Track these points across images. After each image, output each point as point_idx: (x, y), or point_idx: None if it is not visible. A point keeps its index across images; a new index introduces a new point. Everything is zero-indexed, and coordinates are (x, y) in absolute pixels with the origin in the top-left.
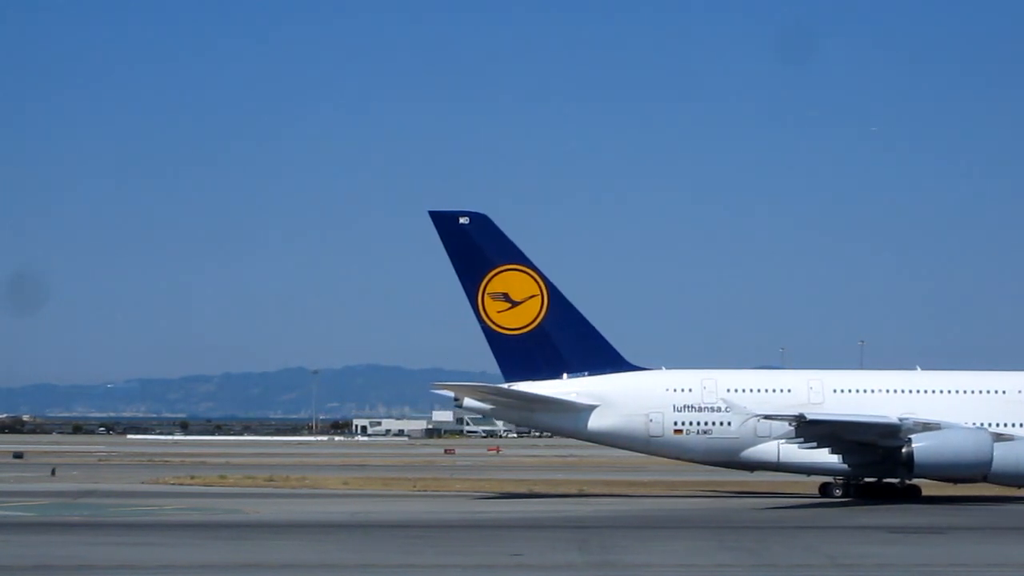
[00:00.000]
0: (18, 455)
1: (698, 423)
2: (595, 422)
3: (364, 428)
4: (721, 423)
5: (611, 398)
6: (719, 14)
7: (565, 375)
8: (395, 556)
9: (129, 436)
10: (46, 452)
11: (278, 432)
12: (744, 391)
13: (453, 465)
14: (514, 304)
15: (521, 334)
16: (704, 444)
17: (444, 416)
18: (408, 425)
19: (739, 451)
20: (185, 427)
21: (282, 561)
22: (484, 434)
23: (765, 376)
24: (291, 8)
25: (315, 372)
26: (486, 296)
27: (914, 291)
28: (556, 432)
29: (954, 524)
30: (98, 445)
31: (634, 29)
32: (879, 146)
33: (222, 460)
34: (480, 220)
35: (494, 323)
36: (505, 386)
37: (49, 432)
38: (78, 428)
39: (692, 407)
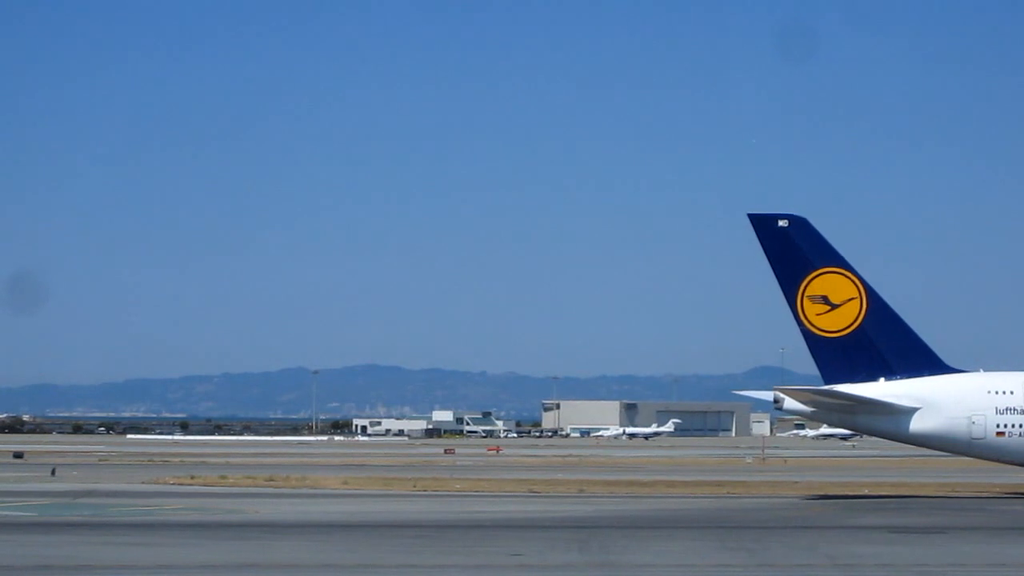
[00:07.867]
0: (18, 455)
1: (1020, 425)
2: (916, 424)
3: (364, 428)
4: None
5: (933, 400)
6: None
7: (882, 378)
8: (395, 556)
9: (129, 436)
10: (46, 452)
11: (278, 432)
12: None
13: (453, 465)
14: (833, 307)
15: (840, 336)
16: None
17: (444, 416)
18: (408, 425)
19: None
20: (185, 427)
21: (282, 561)
22: (484, 434)
23: None
24: None
25: (315, 372)
26: (805, 299)
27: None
28: (874, 434)
29: (954, 524)
30: (98, 445)
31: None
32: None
33: (222, 460)
34: (799, 223)
35: (813, 325)
36: (826, 388)
37: (49, 432)
38: (78, 428)
39: (1014, 409)
